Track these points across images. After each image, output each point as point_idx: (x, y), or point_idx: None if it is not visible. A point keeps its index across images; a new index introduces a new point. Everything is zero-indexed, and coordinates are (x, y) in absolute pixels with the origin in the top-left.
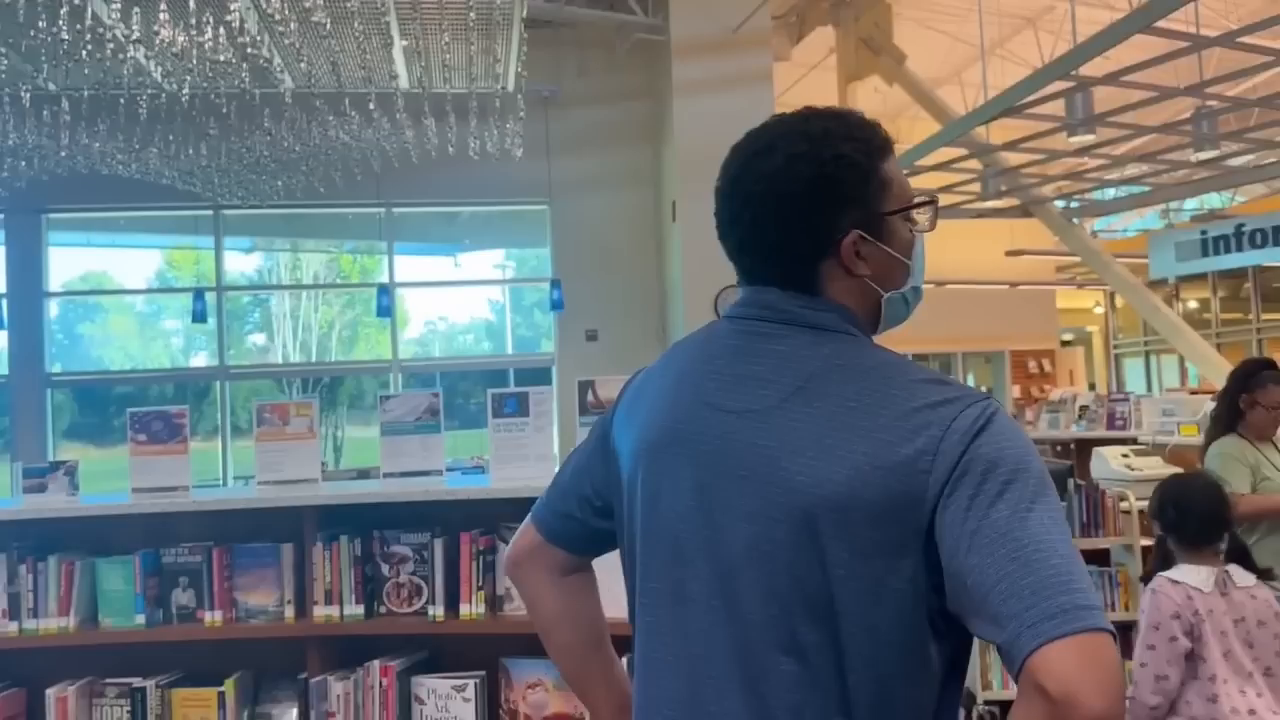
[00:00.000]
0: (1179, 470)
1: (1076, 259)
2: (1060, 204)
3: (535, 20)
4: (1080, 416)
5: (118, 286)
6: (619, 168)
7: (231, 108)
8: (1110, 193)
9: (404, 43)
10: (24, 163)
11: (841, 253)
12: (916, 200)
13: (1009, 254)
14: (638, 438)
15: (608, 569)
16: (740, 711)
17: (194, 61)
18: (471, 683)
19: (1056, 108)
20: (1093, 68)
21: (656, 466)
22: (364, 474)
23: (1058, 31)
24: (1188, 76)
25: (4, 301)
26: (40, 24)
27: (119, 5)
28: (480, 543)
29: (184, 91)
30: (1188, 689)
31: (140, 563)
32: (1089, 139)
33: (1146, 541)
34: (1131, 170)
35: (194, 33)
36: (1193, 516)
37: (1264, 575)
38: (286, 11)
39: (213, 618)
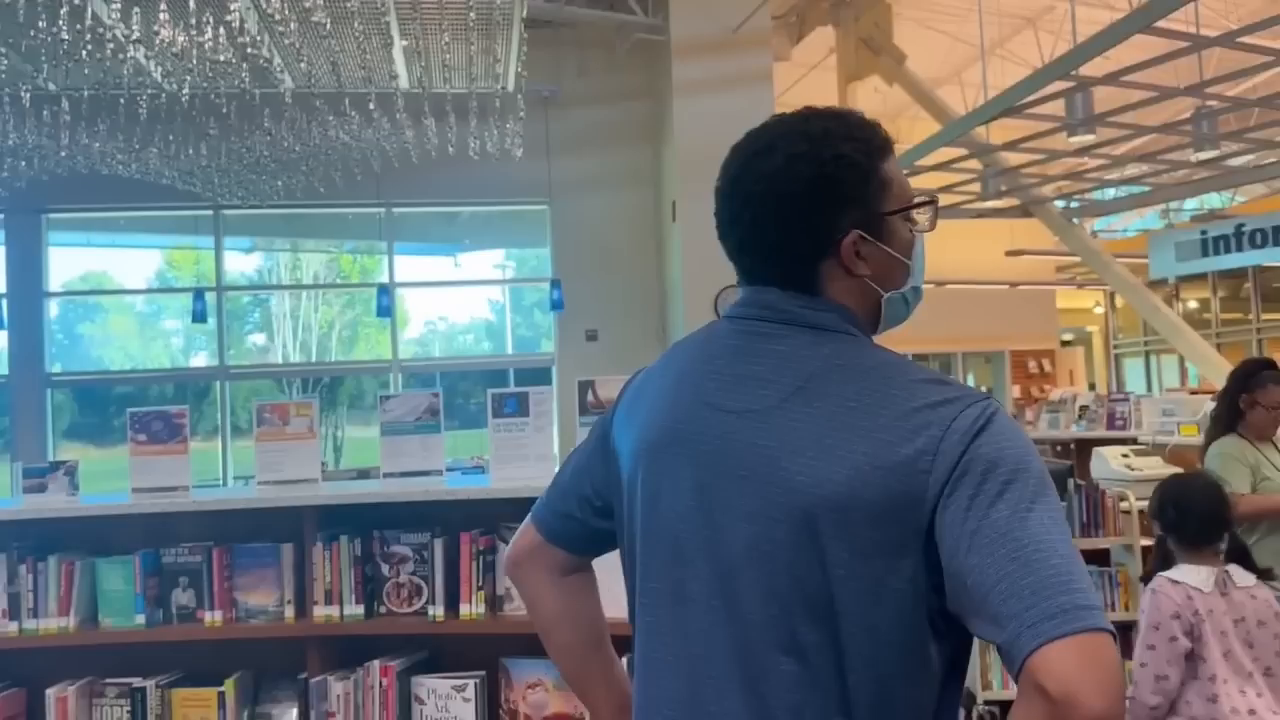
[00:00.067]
0: (1179, 470)
1: (1076, 259)
2: (1060, 204)
3: (535, 20)
4: (1080, 416)
5: (118, 286)
6: (619, 168)
7: (231, 108)
8: (1110, 193)
9: (404, 43)
10: (24, 163)
11: (841, 253)
12: (916, 200)
13: (1009, 254)
14: (638, 438)
15: (608, 569)
16: (740, 711)
17: (194, 61)
18: (471, 683)
19: (1056, 108)
20: (1093, 68)
21: (656, 466)
22: (364, 474)
23: (1058, 31)
24: (1188, 76)
25: (4, 301)
26: (40, 24)
27: (119, 5)
28: (480, 543)
29: (184, 91)
30: (1188, 689)
31: (140, 563)
32: (1089, 139)
33: (1146, 541)
34: (1131, 170)
35: (194, 33)
36: (1193, 516)
37: (1264, 575)
38: (286, 11)
39: (213, 618)
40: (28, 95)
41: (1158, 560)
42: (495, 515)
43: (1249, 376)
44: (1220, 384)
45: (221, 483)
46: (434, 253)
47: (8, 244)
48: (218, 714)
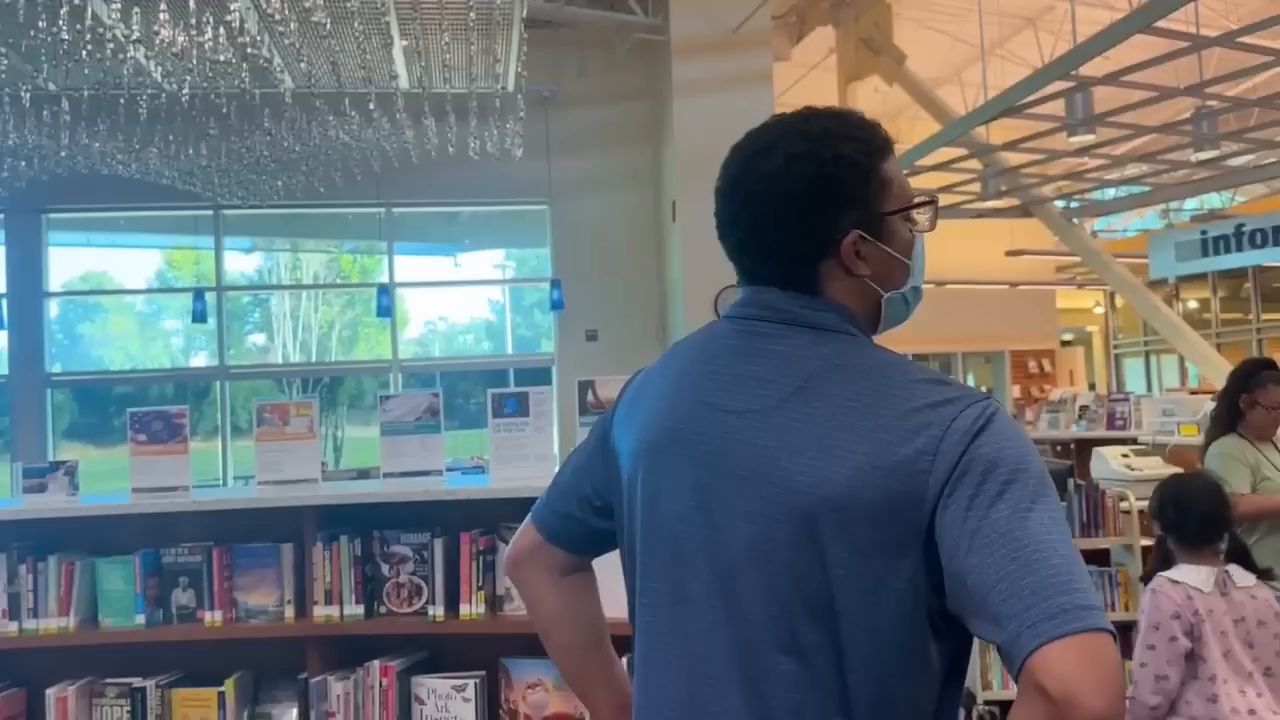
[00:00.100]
0: (1179, 470)
1: (1076, 259)
2: (1060, 204)
3: (535, 20)
4: (1080, 416)
5: (118, 286)
6: (619, 168)
7: (231, 108)
8: (1110, 193)
9: (404, 43)
10: (24, 163)
11: (841, 253)
12: (916, 200)
13: (1009, 254)
14: (638, 438)
15: (608, 569)
16: (740, 711)
17: (194, 61)
18: (471, 683)
19: (1056, 108)
20: (1093, 68)
21: (656, 466)
22: (364, 474)
23: (1058, 31)
24: (1188, 76)
25: (4, 301)
26: (40, 24)
27: (119, 5)
28: (480, 543)
29: (184, 91)
30: (1188, 689)
31: (140, 563)
32: (1089, 139)
33: (1146, 541)
34: (1131, 170)
35: (194, 33)
36: (1193, 516)
37: (1264, 575)
38: (286, 11)
39: (213, 618)
40: (28, 95)
41: (1158, 560)
42: (495, 515)
43: (1249, 376)
44: (1220, 384)
45: (221, 483)
46: (434, 253)
47: (8, 244)
48: (218, 714)
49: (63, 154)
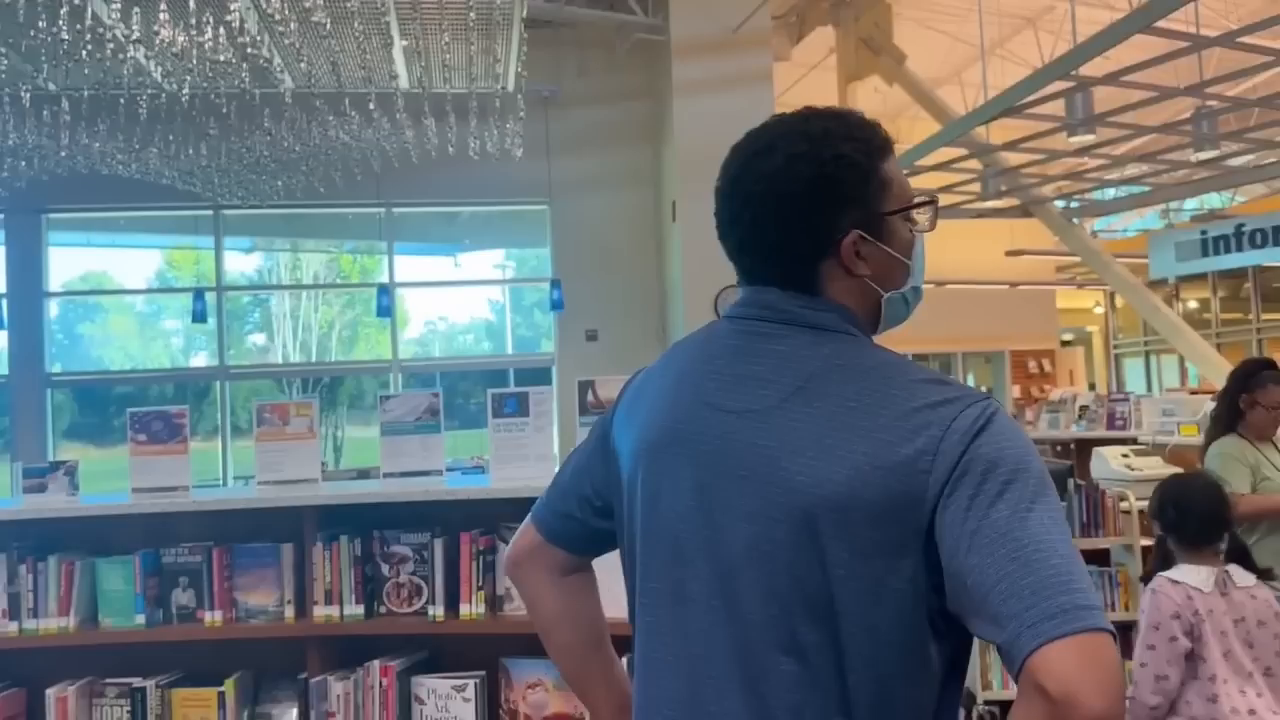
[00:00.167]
0: (1179, 470)
1: (1076, 259)
2: (1060, 204)
3: (535, 20)
4: (1080, 416)
5: (118, 286)
6: (619, 168)
7: (231, 108)
8: (1110, 193)
9: (404, 43)
10: (24, 163)
11: (841, 253)
12: (916, 200)
13: (1009, 254)
14: (638, 438)
15: (608, 569)
16: (740, 711)
17: (194, 61)
18: (471, 683)
19: (1056, 108)
20: (1093, 68)
21: (656, 466)
22: (364, 474)
23: (1058, 31)
24: (1188, 76)
25: (4, 301)
26: (40, 24)
27: (119, 5)
28: (480, 543)
29: (184, 91)
30: (1188, 689)
31: (140, 563)
32: (1089, 139)
33: (1146, 541)
34: (1131, 170)
35: (194, 33)
36: (1193, 516)
37: (1264, 575)
38: (286, 11)
39: (213, 618)
40: (28, 95)
41: (1158, 560)
42: (495, 515)
43: (1249, 376)
44: (1220, 384)
45: (221, 483)
46: (434, 253)
47: (8, 244)
48: (218, 714)
49: (63, 154)
